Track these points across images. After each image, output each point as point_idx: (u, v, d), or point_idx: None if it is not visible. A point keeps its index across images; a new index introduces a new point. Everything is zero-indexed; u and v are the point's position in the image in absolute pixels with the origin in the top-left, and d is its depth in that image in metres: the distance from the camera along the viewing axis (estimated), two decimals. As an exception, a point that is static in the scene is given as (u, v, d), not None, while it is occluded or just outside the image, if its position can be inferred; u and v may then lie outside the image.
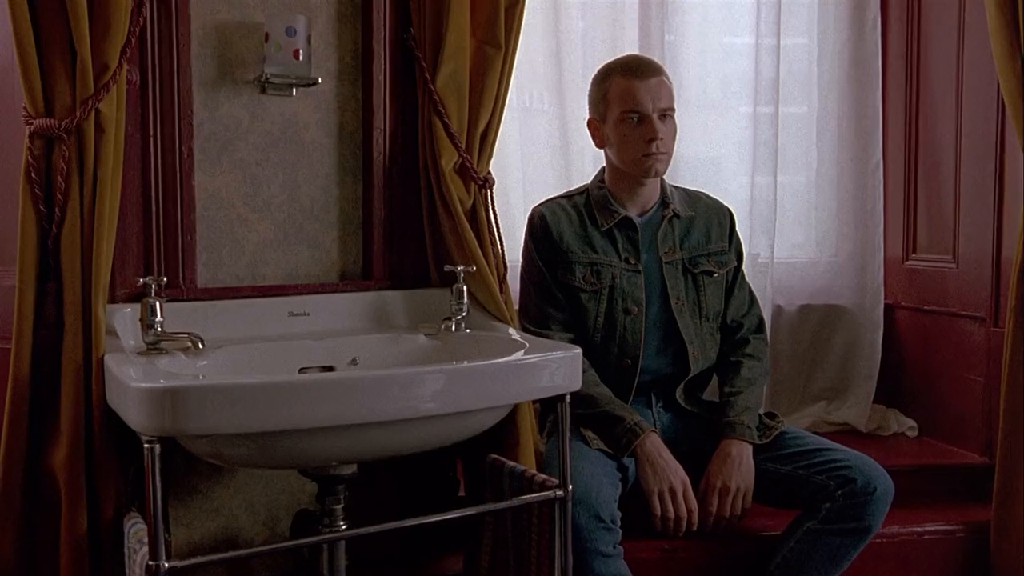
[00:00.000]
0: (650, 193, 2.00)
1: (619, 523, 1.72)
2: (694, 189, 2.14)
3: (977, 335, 2.34)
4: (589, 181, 2.07)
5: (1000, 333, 2.17)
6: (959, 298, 2.40)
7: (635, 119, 1.90)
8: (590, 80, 2.02)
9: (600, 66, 2.01)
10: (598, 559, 1.67)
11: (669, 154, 1.95)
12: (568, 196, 2.05)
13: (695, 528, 1.85)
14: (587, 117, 2.02)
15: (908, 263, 2.60)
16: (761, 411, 1.99)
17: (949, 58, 2.41)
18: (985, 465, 2.23)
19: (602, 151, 2.03)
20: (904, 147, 2.59)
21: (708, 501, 1.85)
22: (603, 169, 2.05)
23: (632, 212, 1.99)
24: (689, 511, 1.83)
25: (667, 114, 1.92)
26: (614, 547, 1.70)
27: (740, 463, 1.87)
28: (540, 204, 2.04)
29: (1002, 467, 2.07)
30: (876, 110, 2.59)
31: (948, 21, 2.41)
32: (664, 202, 2.02)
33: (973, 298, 2.35)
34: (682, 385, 2.00)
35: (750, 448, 1.89)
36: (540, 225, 1.99)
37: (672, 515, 1.82)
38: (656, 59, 2.37)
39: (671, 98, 1.94)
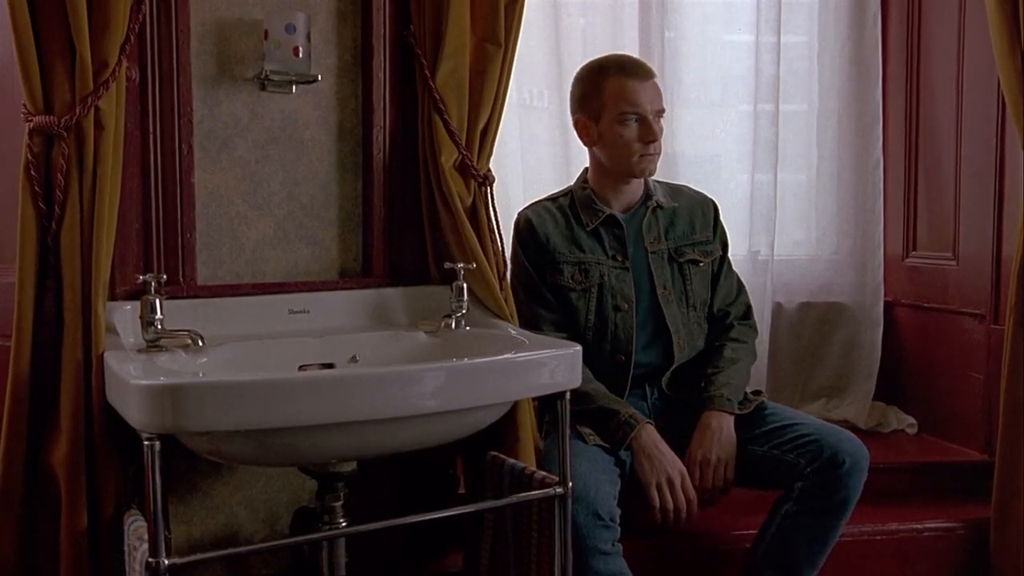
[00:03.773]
0: (634, 190, 2.02)
1: (618, 520, 1.72)
2: (676, 183, 2.15)
3: (977, 332, 2.34)
4: (572, 183, 2.08)
5: (1000, 330, 2.17)
6: (959, 295, 2.40)
7: (634, 120, 1.91)
8: (573, 78, 2.01)
9: (583, 65, 2.01)
10: (597, 557, 1.67)
11: (660, 154, 1.98)
12: (553, 198, 2.06)
13: (695, 518, 1.84)
14: (572, 117, 2.01)
15: (908, 260, 2.60)
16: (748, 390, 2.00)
17: (949, 56, 2.41)
18: (985, 462, 2.24)
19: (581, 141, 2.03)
20: (904, 144, 2.59)
21: (691, 474, 1.85)
22: (586, 170, 2.06)
23: (616, 210, 2.00)
24: (688, 501, 1.83)
25: (660, 115, 1.95)
26: (613, 545, 1.70)
27: (720, 434, 1.87)
28: (525, 208, 2.06)
29: (1002, 464, 2.07)
30: (876, 108, 2.59)
31: (948, 19, 2.41)
32: (647, 195, 2.03)
33: (973, 295, 2.35)
34: (668, 374, 2.00)
35: (731, 419, 1.89)
36: (526, 228, 2.00)
37: (671, 506, 1.82)
38: (656, 57, 2.39)
39: (662, 99, 1.97)
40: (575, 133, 2.04)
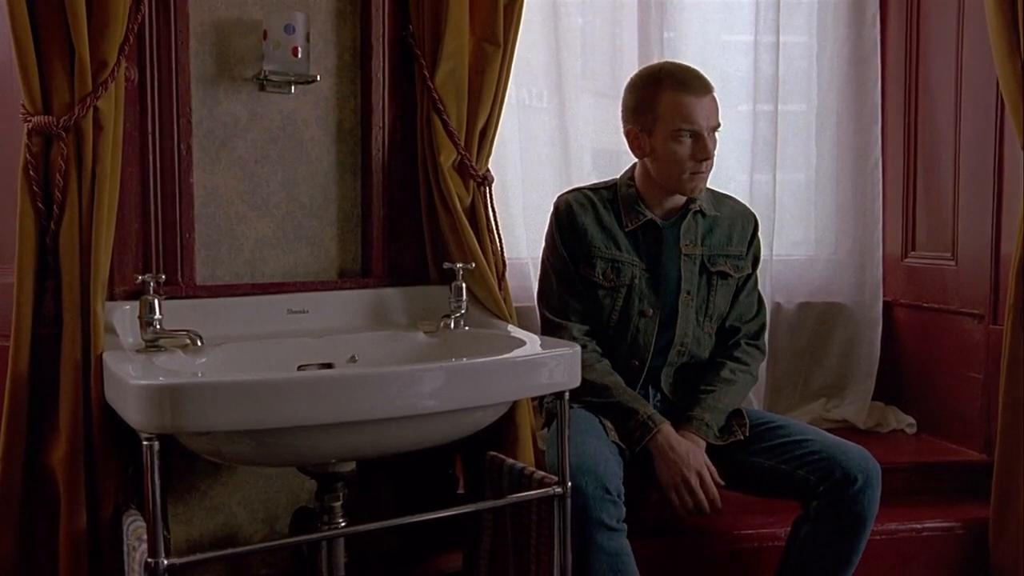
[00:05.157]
0: (679, 198, 1.97)
1: (623, 499, 1.69)
2: (722, 191, 2.09)
3: (976, 332, 2.34)
4: (619, 176, 2.02)
5: (999, 330, 2.17)
6: (958, 295, 2.40)
7: (688, 137, 1.86)
8: (627, 84, 1.95)
9: (639, 71, 1.96)
10: (602, 531, 1.64)
11: (711, 170, 1.93)
12: (594, 188, 2.01)
13: (719, 512, 1.83)
14: (624, 126, 1.95)
15: (907, 260, 2.60)
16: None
17: (948, 55, 2.41)
18: (984, 462, 2.24)
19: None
20: (903, 144, 2.59)
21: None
22: (634, 166, 2.00)
23: (658, 215, 1.96)
24: (710, 499, 1.81)
25: (716, 130, 1.90)
26: (618, 522, 1.67)
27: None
28: (567, 192, 2.01)
29: (1000, 464, 2.07)
30: (875, 108, 2.59)
31: (947, 18, 2.41)
32: (691, 200, 1.97)
33: (972, 295, 2.35)
34: (666, 375, 1.97)
35: (703, 443, 1.87)
36: (566, 214, 1.96)
37: (690, 505, 1.81)
38: (655, 57, 2.38)
39: (719, 113, 1.91)
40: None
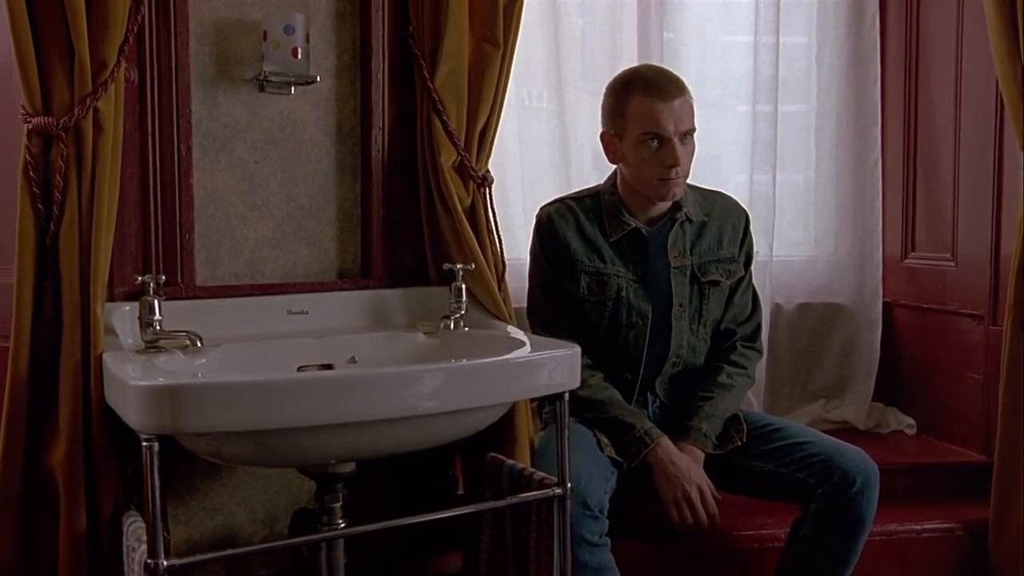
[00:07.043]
0: (663, 204, 1.94)
1: (606, 513, 1.70)
2: (711, 189, 2.06)
3: (975, 333, 2.34)
4: (601, 183, 2.00)
5: (998, 331, 2.17)
6: (957, 296, 2.40)
7: (655, 143, 1.83)
8: (605, 87, 1.93)
9: (617, 74, 1.93)
10: (583, 547, 1.65)
11: (687, 176, 1.90)
12: (578, 198, 1.98)
13: (718, 528, 1.83)
14: (600, 129, 1.93)
15: (906, 261, 2.60)
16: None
17: (948, 56, 2.41)
18: (983, 463, 2.24)
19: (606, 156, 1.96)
20: (903, 145, 2.59)
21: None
22: (616, 173, 1.98)
23: (642, 222, 1.93)
24: (710, 516, 1.81)
25: (688, 135, 1.86)
26: (600, 537, 1.68)
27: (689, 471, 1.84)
28: (548, 204, 1.99)
29: (1000, 465, 2.07)
30: (875, 108, 2.59)
31: (947, 19, 2.41)
32: (676, 207, 1.94)
33: (971, 296, 2.35)
34: (661, 381, 1.96)
35: (701, 455, 1.86)
36: (547, 227, 1.94)
37: (690, 521, 1.81)
38: (655, 58, 2.38)
39: (693, 117, 1.86)
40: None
